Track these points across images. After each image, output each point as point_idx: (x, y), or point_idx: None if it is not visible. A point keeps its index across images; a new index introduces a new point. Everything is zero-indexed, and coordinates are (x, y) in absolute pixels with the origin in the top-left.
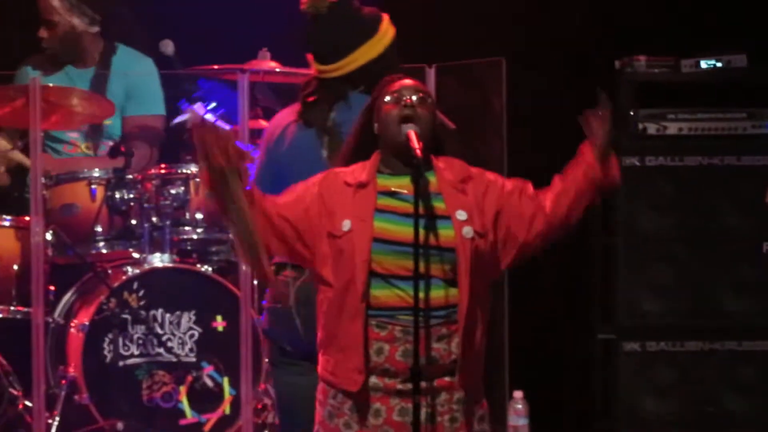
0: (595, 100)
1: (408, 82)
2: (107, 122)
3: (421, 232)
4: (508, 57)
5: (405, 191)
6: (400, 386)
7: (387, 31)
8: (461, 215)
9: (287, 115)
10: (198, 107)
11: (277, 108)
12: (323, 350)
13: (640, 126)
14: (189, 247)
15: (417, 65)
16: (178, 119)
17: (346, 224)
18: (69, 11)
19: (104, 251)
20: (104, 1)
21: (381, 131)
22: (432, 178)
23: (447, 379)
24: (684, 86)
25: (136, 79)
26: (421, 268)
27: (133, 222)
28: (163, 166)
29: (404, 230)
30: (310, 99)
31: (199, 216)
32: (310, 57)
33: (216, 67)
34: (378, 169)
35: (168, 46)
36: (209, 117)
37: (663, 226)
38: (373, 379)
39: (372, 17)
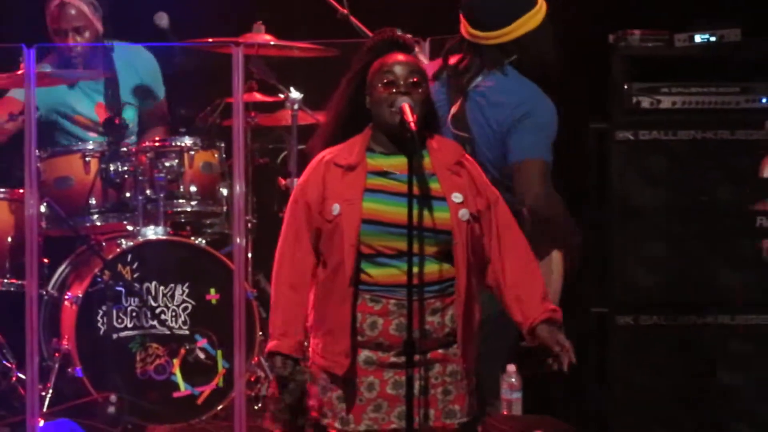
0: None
1: (401, 58)
2: (129, 122)
3: (415, 212)
4: None
5: (398, 171)
6: (393, 359)
7: (542, 4)
8: (457, 197)
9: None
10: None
11: (271, 81)
12: (313, 333)
13: (634, 100)
14: (183, 220)
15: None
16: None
17: (336, 208)
18: (95, 14)
19: (98, 224)
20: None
21: (373, 110)
22: (426, 159)
23: (440, 351)
24: (678, 60)
25: (144, 76)
26: (415, 248)
27: (127, 194)
28: (157, 138)
29: (397, 210)
30: (452, 60)
31: (193, 189)
32: (463, 21)
33: (210, 40)
34: (369, 147)
35: (162, 19)
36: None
37: (656, 200)
38: (367, 353)
39: None
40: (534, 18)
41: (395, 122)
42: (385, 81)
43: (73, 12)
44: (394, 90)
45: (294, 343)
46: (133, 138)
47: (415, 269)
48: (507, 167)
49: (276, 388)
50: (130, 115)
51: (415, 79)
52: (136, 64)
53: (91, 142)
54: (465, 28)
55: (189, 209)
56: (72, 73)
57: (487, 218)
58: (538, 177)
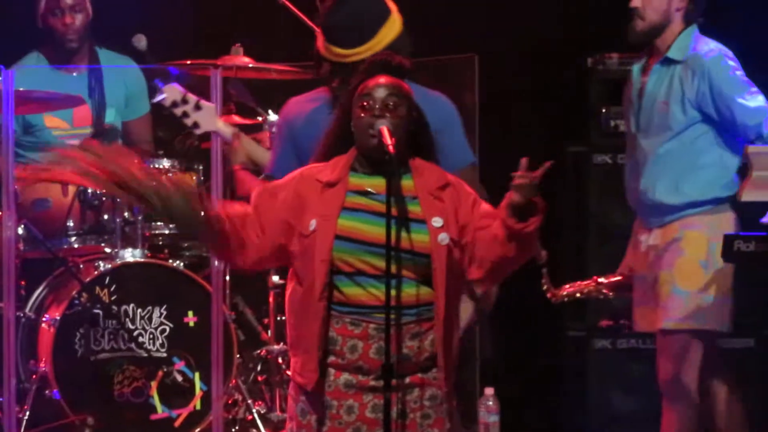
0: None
1: (382, 81)
2: (116, 124)
3: (394, 232)
4: (480, 54)
5: (378, 191)
6: (373, 383)
7: (395, 11)
8: (437, 222)
9: (304, 104)
10: (175, 85)
11: (249, 103)
12: (292, 352)
13: (612, 123)
14: (161, 242)
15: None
16: (158, 98)
17: (312, 224)
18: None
19: (76, 246)
20: None
21: (355, 134)
22: (409, 182)
23: (419, 375)
24: None
25: (130, 84)
26: (393, 268)
27: (105, 217)
28: (135, 161)
29: (375, 230)
30: (336, 84)
31: None
32: (323, 43)
33: (189, 62)
34: (353, 167)
35: (141, 41)
36: (191, 95)
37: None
38: (347, 376)
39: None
40: (393, 27)
41: (372, 145)
42: (362, 104)
43: None
44: (370, 113)
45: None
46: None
47: (393, 292)
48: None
49: None
50: (112, 117)
51: (391, 102)
52: (124, 71)
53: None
54: (327, 49)
55: (167, 232)
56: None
57: (470, 229)
58: (478, 181)
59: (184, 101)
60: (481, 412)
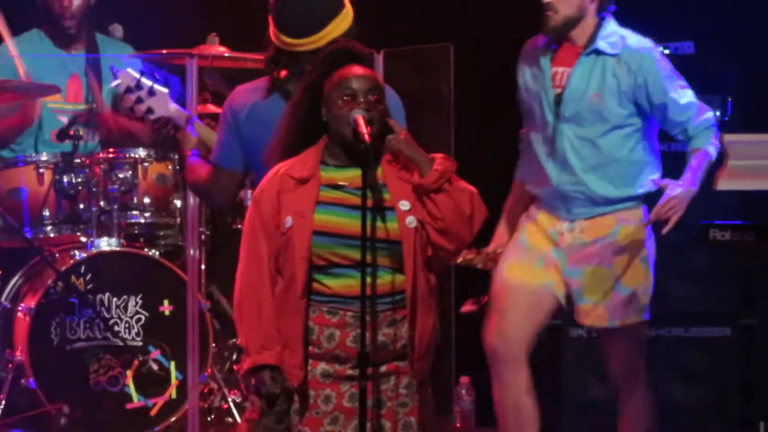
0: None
1: (360, 71)
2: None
3: (368, 224)
4: (456, 42)
5: (352, 184)
6: (350, 372)
7: (349, 6)
8: (404, 205)
9: (249, 93)
10: (129, 70)
11: (226, 93)
12: None
13: None
14: (136, 231)
15: (368, 50)
16: (112, 84)
17: (288, 221)
18: None
19: (51, 235)
20: None
21: (329, 123)
22: (379, 170)
23: (396, 364)
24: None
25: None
26: (369, 258)
27: (81, 206)
28: (110, 150)
29: (350, 222)
30: (283, 74)
31: (146, 200)
32: (274, 30)
33: (164, 51)
34: (323, 159)
35: (117, 30)
36: (145, 80)
37: None
38: (324, 366)
39: None
40: (344, 21)
41: (350, 134)
42: (345, 97)
43: None
44: (353, 106)
45: (276, 353)
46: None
47: (369, 280)
48: None
49: (264, 406)
50: (106, 96)
51: (375, 97)
52: (119, 49)
53: (44, 153)
54: (277, 37)
55: (143, 221)
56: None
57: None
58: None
59: (138, 87)
60: (457, 400)
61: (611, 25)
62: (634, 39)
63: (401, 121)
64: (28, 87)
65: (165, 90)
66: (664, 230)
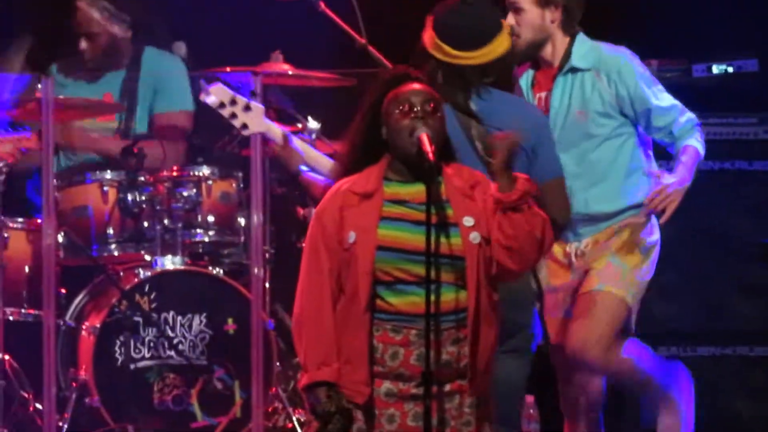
0: None
1: (417, 86)
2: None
3: (433, 239)
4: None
5: (415, 200)
6: (414, 390)
7: (507, 27)
8: (468, 221)
9: None
10: (221, 85)
11: (289, 110)
12: None
13: None
14: (200, 250)
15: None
16: (204, 99)
17: (352, 236)
18: (109, 20)
19: (116, 253)
20: (132, 4)
21: (390, 139)
22: (441, 186)
23: (459, 382)
24: (695, 91)
25: (164, 75)
26: (433, 274)
27: (145, 224)
28: (175, 168)
29: (415, 238)
30: (444, 85)
31: (210, 219)
32: (435, 41)
33: (229, 69)
34: (386, 176)
35: (180, 49)
36: (240, 96)
37: (674, 229)
38: (388, 385)
39: (498, 10)
40: (506, 40)
41: (414, 151)
42: (402, 108)
43: (81, 17)
44: (411, 116)
45: (334, 370)
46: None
47: (433, 297)
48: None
49: (319, 424)
50: (140, 113)
51: (431, 106)
52: (160, 64)
53: (108, 171)
54: (438, 48)
55: (207, 239)
56: (89, 103)
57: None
58: (566, 194)
59: (233, 102)
60: (522, 419)
61: (583, 41)
62: (608, 49)
63: (548, 141)
64: (90, 105)
65: (261, 106)
66: (662, 221)
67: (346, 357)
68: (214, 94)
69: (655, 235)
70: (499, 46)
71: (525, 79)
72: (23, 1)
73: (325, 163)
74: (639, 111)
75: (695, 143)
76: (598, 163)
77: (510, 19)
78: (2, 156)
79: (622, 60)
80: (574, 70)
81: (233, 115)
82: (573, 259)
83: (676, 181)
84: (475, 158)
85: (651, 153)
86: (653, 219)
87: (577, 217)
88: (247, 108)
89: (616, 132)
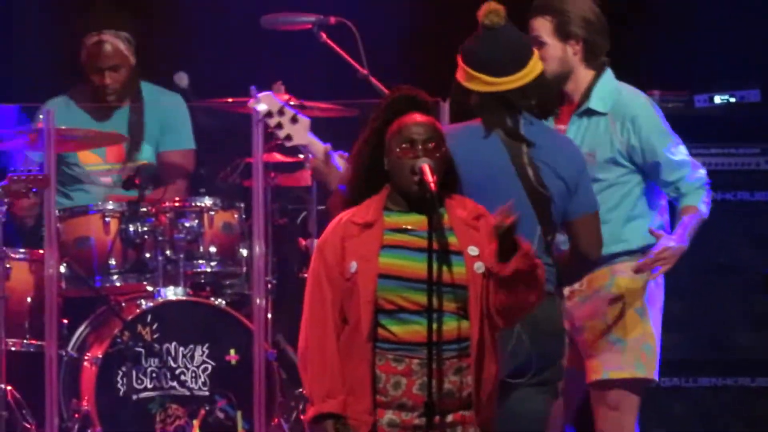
0: None
1: (419, 119)
2: (141, 161)
3: (434, 267)
4: None
5: (417, 228)
6: (417, 421)
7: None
8: (473, 251)
9: (463, 135)
10: (271, 93)
11: None
12: None
13: None
14: (203, 280)
15: (432, 99)
16: (254, 106)
17: (353, 266)
18: (129, 49)
19: (118, 284)
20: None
21: (392, 173)
22: (444, 215)
23: (461, 413)
24: (698, 121)
25: (169, 114)
26: (435, 302)
27: (147, 255)
28: (177, 198)
29: (416, 266)
30: (491, 115)
31: (212, 249)
32: (470, 73)
33: (230, 99)
34: (386, 206)
35: (183, 79)
36: (288, 108)
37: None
38: (390, 415)
39: (523, 33)
40: (539, 61)
41: (414, 188)
42: (404, 145)
43: (110, 50)
44: (411, 155)
45: (340, 402)
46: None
47: (435, 326)
48: (573, 221)
49: None
50: (147, 153)
51: (432, 145)
52: (162, 103)
53: (111, 202)
54: (476, 80)
55: (209, 270)
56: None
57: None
58: (599, 229)
59: (281, 112)
60: None
61: (607, 79)
62: (627, 94)
63: (586, 176)
64: (91, 136)
65: (307, 119)
66: (651, 278)
67: (350, 387)
68: (264, 102)
69: (656, 290)
70: (536, 66)
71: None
72: (41, 30)
73: None
74: (649, 162)
75: (700, 204)
76: (600, 205)
77: None
78: (12, 195)
79: (638, 108)
80: (590, 112)
81: (279, 126)
82: (568, 295)
83: (674, 245)
84: (520, 187)
85: (663, 202)
86: (650, 284)
87: None
88: (294, 120)
89: (622, 179)
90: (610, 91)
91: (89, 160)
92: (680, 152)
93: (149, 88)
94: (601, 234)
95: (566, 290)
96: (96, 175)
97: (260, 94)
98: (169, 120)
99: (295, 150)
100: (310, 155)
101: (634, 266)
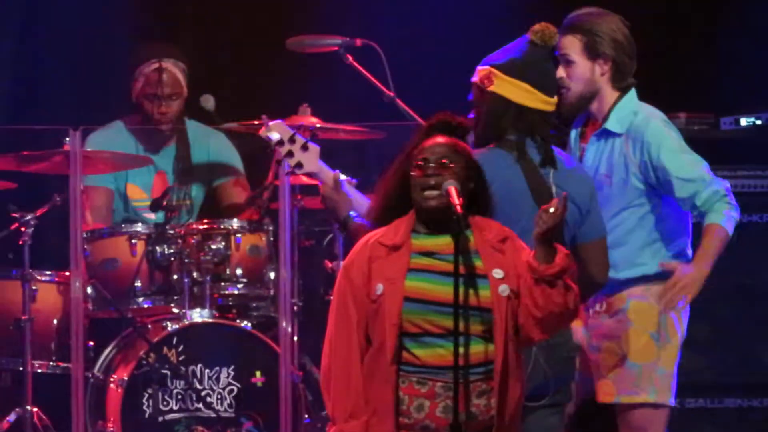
0: None
1: (439, 140)
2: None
3: (461, 291)
4: None
5: (443, 251)
6: None
7: None
8: (498, 273)
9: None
10: (281, 122)
11: None
12: None
13: None
14: (229, 302)
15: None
16: (266, 135)
17: (379, 288)
18: (185, 81)
19: (144, 306)
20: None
21: (412, 194)
22: (470, 237)
23: None
24: (723, 143)
25: (216, 154)
26: (460, 326)
27: (174, 277)
28: (204, 221)
29: (442, 289)
30: (519, 130)
31: (239, 271)
32: (532, 93)
33: (257, 122)
34: (414, 228)
35: (208, 101)
36: (299, 135)
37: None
38: None
39: None
40: None
41: (427, 205)
42: (416, 164)
43: (169, 79)
44: (422, 173)
45: (362, 423)
46: (191, 218)
47: (461, 349)
48: (583, 245)
49: None
50: (196, 191)
51: (443, 161)
52: (208, 140)
53: (139, 224)
54: (535, 96)
55: (235, 292)
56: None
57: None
58: (606, 254)
59: (292, 140)
60: None
61: (628, 101)
62: (643, 114)
63: (596, 203)
64: (120, 158)
65: (317, 147)
66: (674, 309)
67: (373, 408)
68: (276, 130)
69: (678, 317)
70: None
71: (575, 129)
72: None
73: None
74: (662, 181)
75: (724, 221)
76: (615, 228)
77: (560, 72)
78: None
79: (651, 127)
80: (607, 133)
81: (290, 153)
82: (587, 315)
83: (690, 273)
84: (536, 209)
85: (685, 226)
86: (672, 314)
87: None
88: (305, 147)
89: (638, 201)
90: (628, 112)
91: (135, 195)
92: (695, 168)
93: (194, 126)
94: (607, 259)
95: (590, 310)
96: (140, 211)
97: (271, 123)
98: (220, 159)
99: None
100: (319, 182)
101: (661, 304)
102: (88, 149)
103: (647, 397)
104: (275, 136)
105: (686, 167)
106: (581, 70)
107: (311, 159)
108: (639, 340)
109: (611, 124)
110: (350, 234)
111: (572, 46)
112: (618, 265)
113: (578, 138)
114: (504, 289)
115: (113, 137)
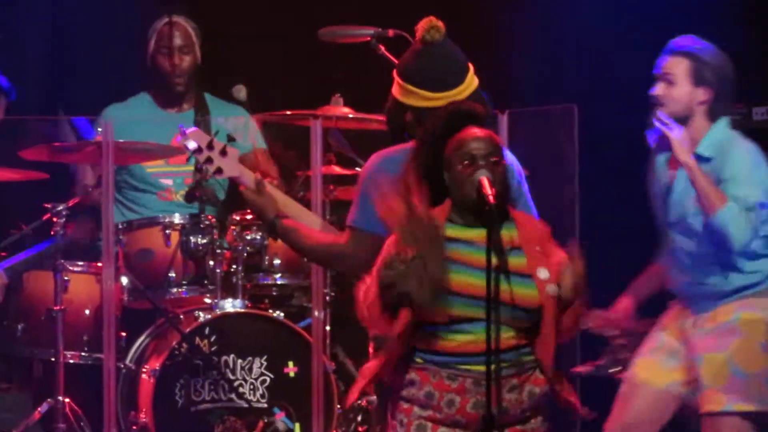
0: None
1: (478, 133)
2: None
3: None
4: (580, 103)
5: (478, 242)
6: None
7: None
8: (543, 273)
9: (391, 155)
10: (200, 130)
11: (349, 154)
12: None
13: None
14: (261, 293)
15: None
16: (183, 143)
17: None
18: (197, 40)
19: (177, 296)
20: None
21: (453, 188)
22: (513, 232)
23: (518, 427)
24: (756, 134)
25: (238, 127)
26: (492, 317)
27: (208, 267)
28: (240, 212)
29: (474, 282)
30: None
31: (277, 261)
32: (406, 89)
33: (289, 112)
34: (450, 218)
35: (240, 92)
36: (217, 141)
37: None
38: (445, 430)
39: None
40: (474, 77)
41: (475, 198)
42: (465, 161)
43: (180, 32)
44: (473, 170)
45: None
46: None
47: (493, 336)
48: None
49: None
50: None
51: (494, 159)
52: (226, 111)
53: (177, 214)
54: (411, 95)
55: (268, 282)
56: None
57: None
58: None
59: (210, 147)
60: None
61: (721, 127)
62: (732, 141)
63: (525, 192)
64: (150, 149)
65: (237, 150)
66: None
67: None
68: (193, 139)
69: None
70: (472, 81)
71: (664, 156)
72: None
73: (298, 211)
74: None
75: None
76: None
77: (658, 89)
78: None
79: (734, 152)
80: (698, 158)
81: (209, 160)
82: (687, 329)
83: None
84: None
85: None
86: None
87: (696, 292)
88: (224, 152)
89: None
90: (720, 138)
91: (150, 162)
92: (748, 190)
93: (213, 100)
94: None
95: (689, 321)
96: (157, 177)
97: (188, 131)
98: (237, 130)
99: (353, 162)
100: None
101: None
102: (108, 120)
103: (758, 406)
104: (192, 144)
105: (744, 190)
106: (681, 93)
107: (231, 163)
108: (749, 349)
109: (703, 149)
110: (280, 235)
111: (678, 67)
112: (719, 279)
113: (666, 164)
114: (553, 289)
115: (137, 108)
